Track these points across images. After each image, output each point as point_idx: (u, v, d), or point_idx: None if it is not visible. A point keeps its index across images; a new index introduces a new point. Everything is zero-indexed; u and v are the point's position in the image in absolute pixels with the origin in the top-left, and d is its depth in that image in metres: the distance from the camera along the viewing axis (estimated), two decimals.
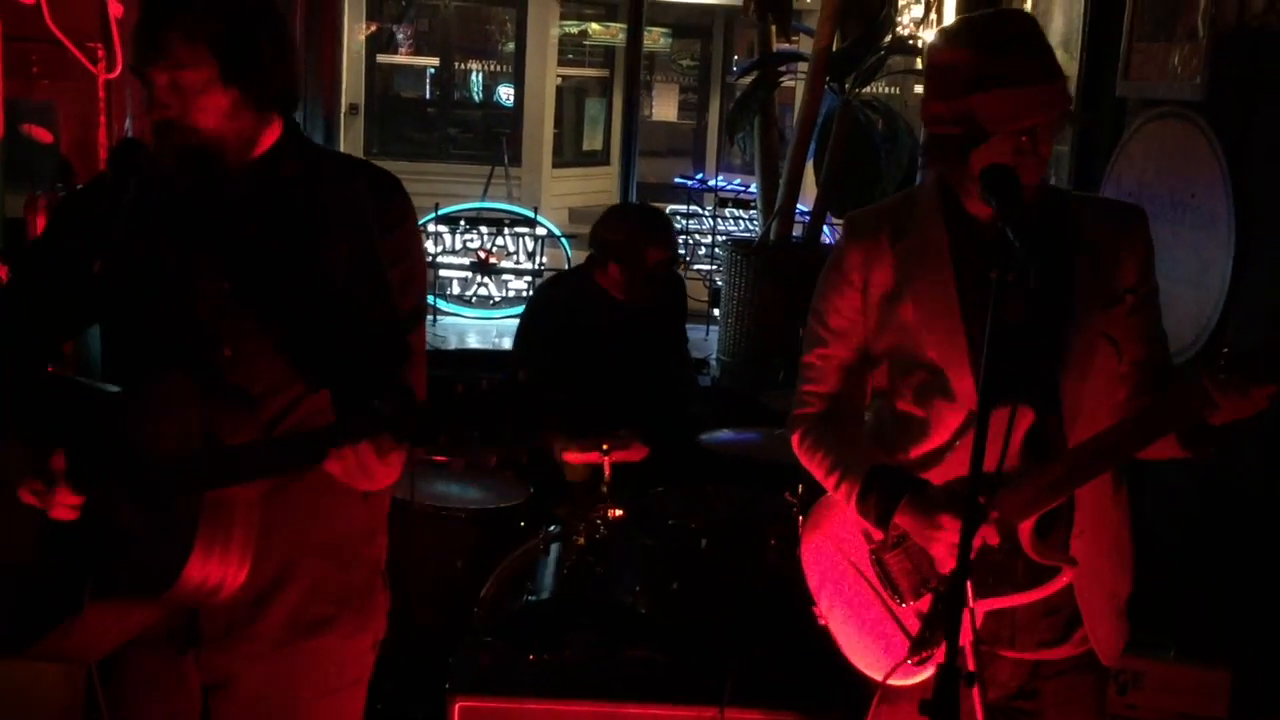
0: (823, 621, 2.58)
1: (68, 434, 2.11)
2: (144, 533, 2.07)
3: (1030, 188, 2.25)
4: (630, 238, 4.26)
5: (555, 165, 13.08)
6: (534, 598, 3.68)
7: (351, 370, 2.04)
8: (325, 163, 2.31)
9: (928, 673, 2.35)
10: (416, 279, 2.29)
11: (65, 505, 2.09)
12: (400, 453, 1.96)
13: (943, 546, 2.28)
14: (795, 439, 2.56)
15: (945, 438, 2.37)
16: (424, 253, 2.40)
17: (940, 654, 2.27)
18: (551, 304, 4.50)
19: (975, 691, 2.18)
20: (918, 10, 7.01)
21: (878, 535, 2.44)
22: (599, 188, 12.74)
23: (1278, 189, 3.52)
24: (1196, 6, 3.89)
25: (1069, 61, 4.82)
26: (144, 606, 2.12)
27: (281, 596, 2.25)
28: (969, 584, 2.22)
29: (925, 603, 2.41)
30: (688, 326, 4.83)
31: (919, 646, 2.39)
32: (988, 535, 2.26)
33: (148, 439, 2.08)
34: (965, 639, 2.25)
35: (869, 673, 2.48)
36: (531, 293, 5.68)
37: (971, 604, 2.25)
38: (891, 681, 2.39)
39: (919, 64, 6.45)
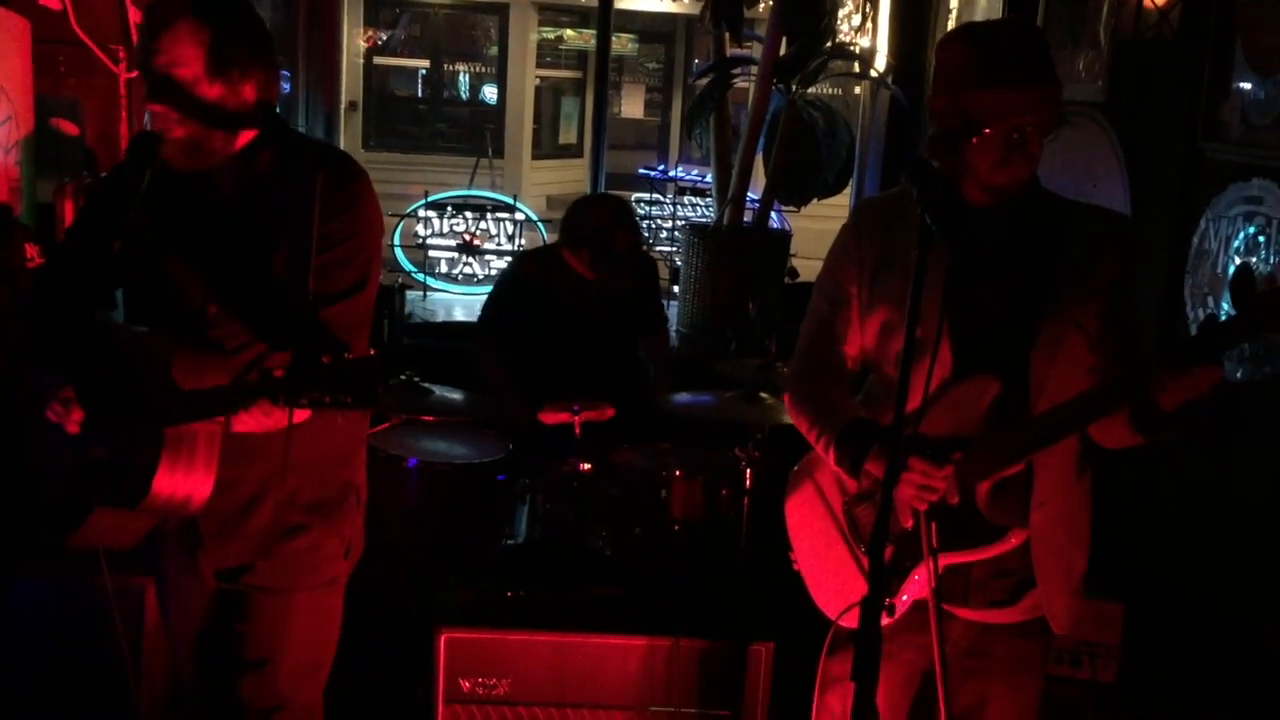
0: (796, 566, 2.58)
1: (86, 369, 2.28)
2: (126, 455, 2.22)
3: (1019, 183, 2.24)
4: (599, 226, 4.21)
5: (534, 157, 13.01)
6: (511, 542, 3.69)
7: (294, 336, 2.17)
8: (295, 156, 2.35)
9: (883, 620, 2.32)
10: (358, 255, 2.33)
11: (75, 423, 2.26)
12: (278, 411, 2.12)
13: (909, 489, 2.21)
14: (787, 398, 2.52)
15: (920, 400, 2.31)
16: (371, 231, 2.39)
17: (897, 602, 2.30)
18: (521, 276, 4.48)
19: (935, 639, 2.18)
20: (856, 19, 7.00)
21: (852, 487, 2.42)
22: (573, 177, 12.68)
23: (1165, 178, 3.55)
24: (1100, 18, 3.91)
25: None
26: (141, 514, 2.27)
27: (263, 506, 2.41)
28: (933, 531, 2.22)
29: (888, 554, 2.30)
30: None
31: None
32: (948, 494, 2.23)
33: (131, 379, 2.22)
34: (926, 590, 2.25)
35: (830, 614, 2.46)
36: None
37: (933, 547, 2.23)
38: (843, 623, 2.36)
39: (856, 68, 6.44)
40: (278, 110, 2.39)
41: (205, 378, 2.14)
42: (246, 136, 2.32)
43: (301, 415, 2.18)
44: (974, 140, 2.19)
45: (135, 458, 2.19)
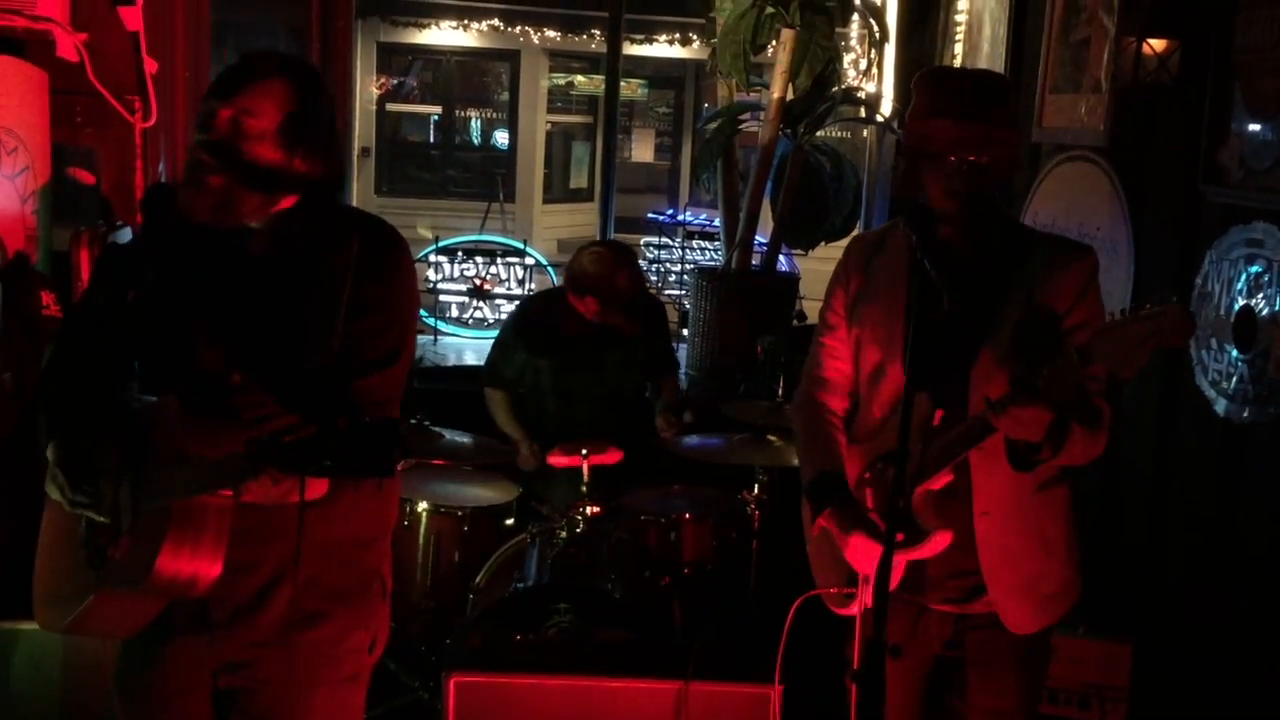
0: (811, 547, 2.70)
1: (94, 442, 2.16)
2: (133, 530, 2.10)
3: (967, 216, 2.39)
4: (601, 272, 4.26)
5: (545, 201, 13.12)
6: (521, 585, 3.68)
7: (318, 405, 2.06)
8: (333, 222, 2.27)
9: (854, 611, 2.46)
10: (394, 327, 2.26)
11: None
12: (288, 481, 2.05)
13: (850, 554, 2.42)
14: (791, 409, 2.75)
15: (880, 415, 2.52)
16: (408, 303, 2.34)
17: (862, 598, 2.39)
18: (528, 315, 4.54)
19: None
20: (863, 64, 7.06)
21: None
22: (584, 221, 12.77)
23: (1167, 221, 3.58)
24: (1100, 63, 3.94)
25: None
26: (147, 596, 2.14)
27: (280, 591, 2.24)
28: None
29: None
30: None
31: (848, 581, 2.51)
32: (896, 499, 2.34)
33: (140, 452, 2.12)
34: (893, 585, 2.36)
35: (823, 594, 2.61)
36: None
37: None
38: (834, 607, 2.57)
39: (863, 113, 6.50)
40: (325, 190, 2.29)
41: (220, 448, 2.03)
42: (285, 202, 2.23)
43: (316, 490, 2.09)
44: (923, 164, 2.39)
45: (139, 533, 2.08)
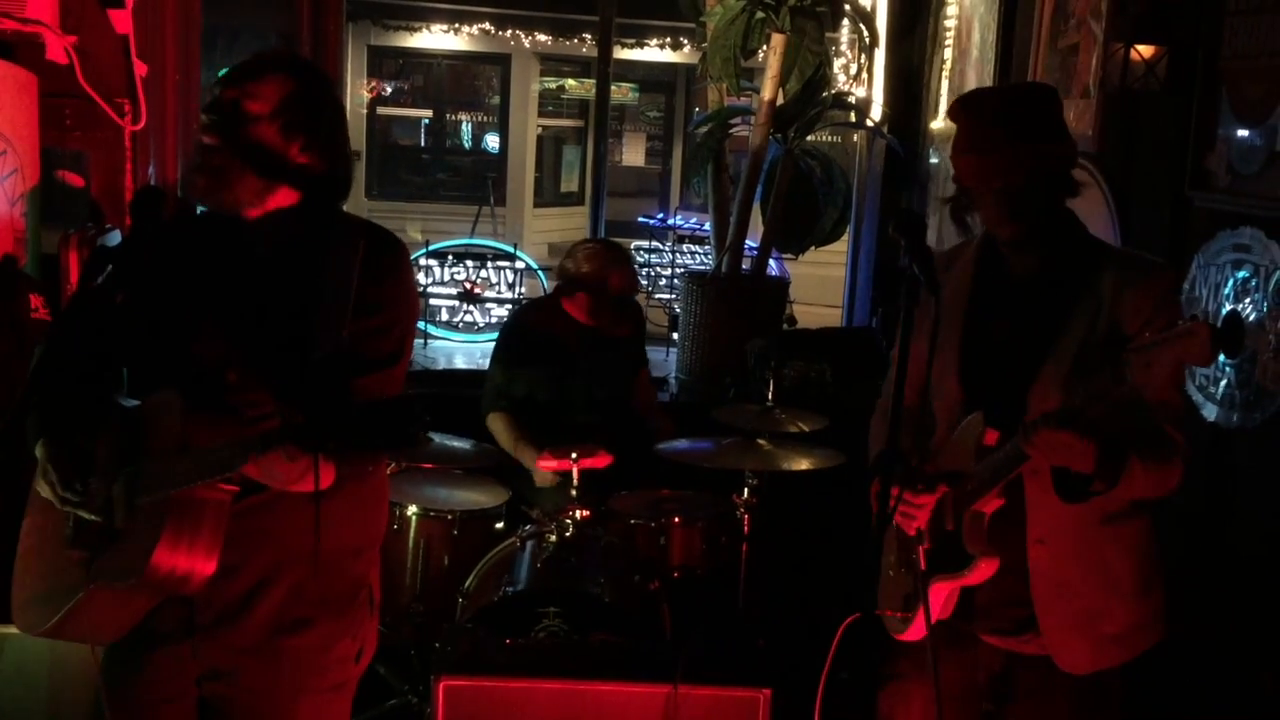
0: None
1: (87, 442, 2.16)
2: (127, 526, 2.11)
3: (1019, 235, 2.35)
4: (595, 269, 4.28)
5: (536, 205, 13.12)
6: (511, 589, 3.68)
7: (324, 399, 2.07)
8: (336, 225, 2.29)
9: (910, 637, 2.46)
10: (395, 328, 2.27)
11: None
12: (303, 458, 2.02)
13: (897, 514, 2.37)
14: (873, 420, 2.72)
15: (943, 431, 2.47)
16: (409, 307, 2.36)
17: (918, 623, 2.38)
18: (523, 325, 4.53)
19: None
20: (854, 69, 7.09)
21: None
22: (575, 225, 12.77)
23: (1155, 227, 3.59)
24: (1089, 70, 3.96)
25: None
26: (136, 594, 2.14)
27: (266, 597, 2.24)
28: (921, 554, 2.38)
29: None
30: (650, 348, 4.86)
31: (905, 605, 2.49)
32: (947, 519, 2.36)
33: (141, 445, 2.12)
34: (940, 610, 2.39)
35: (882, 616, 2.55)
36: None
37: (920, 569, 2.38)
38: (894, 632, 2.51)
39: (853, 117, 6.52)
40: (328, 190, 2.31)
41: (218, 441, 2.04)
42: (284, 199, 2.25)
43: (324, 479, 2.08)
44: (969, 195, 2.38)
45: (134, 527, 2.08)
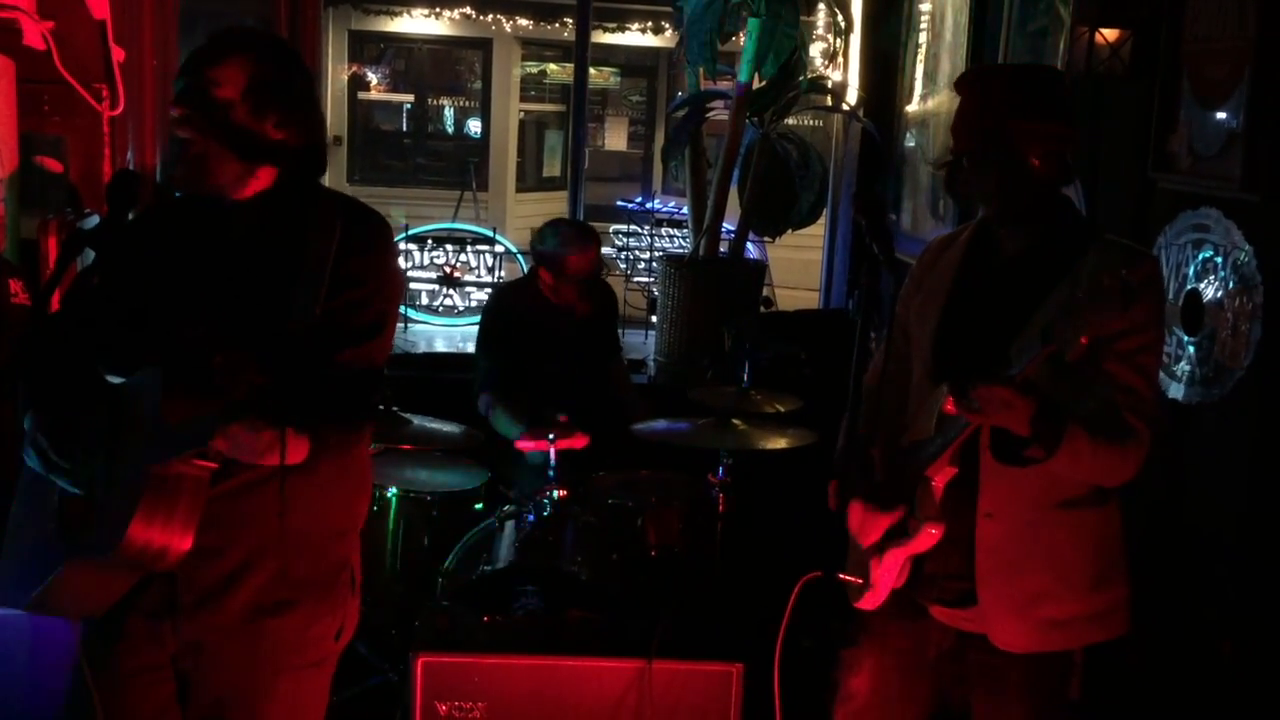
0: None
1: (72, 416, 2.18)
2: (106, 500, 2.12)
3: (1007, 215, 2.40)
4: (556, 248, 4.35)
5: (518, 190, 13.11)
6: (489, 568, 3.73)
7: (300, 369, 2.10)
8: (317, 203, 2.30)
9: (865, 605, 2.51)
10: (374, 302, 2.28)
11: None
12: (267, 430, 2.06)
13: (851, 524, 2.46)
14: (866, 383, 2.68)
15: (916, 402, 2.50)
16: (390, 282, 2.36)
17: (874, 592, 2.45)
18: (500, 306, 4.61)
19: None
20: (830, 52, 7.12)
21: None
22: (557, 210, 12.64)
23: (1120, 208, 3.65)
24: (1056, 53, 4.01)
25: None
26: (116, 569, 2.15)
27: (249, 578, 2.26)
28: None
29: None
30: (629, 330, 4.91)
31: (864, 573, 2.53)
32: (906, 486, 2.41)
33: (124, 421, 2.15)
34: (898, 582, 2.44)
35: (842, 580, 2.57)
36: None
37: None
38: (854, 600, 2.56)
39: (829, 101, 6.56)
40: (306, 165, 2.32)
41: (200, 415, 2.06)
42: (265, 179, 2.27)
43: (297, 454, 2.11)
44: (964, 169, 2.41)
45: (113, 502, 2.10)
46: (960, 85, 2.49)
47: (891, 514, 2.42)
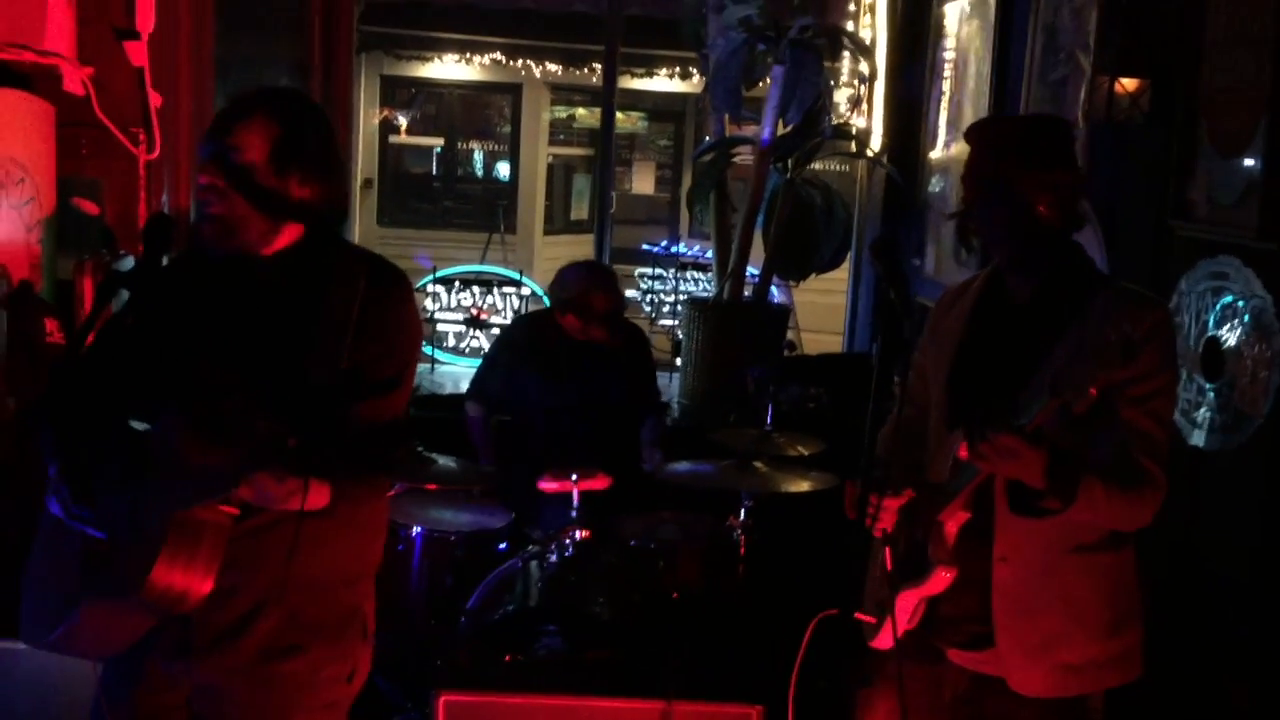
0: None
1: (97, 458, 2.22)
2: (130, 544, 2.16)
3: (1018, 262, 2.43)
4: (579, 290, 4.40)
5: (546, 233, 13.20)
6: (512, 607, 3.75)
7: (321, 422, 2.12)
8: (340, 259, 2.34)
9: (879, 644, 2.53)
10: (395, 355, 2.31)
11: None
12: (291, 480, 2.10)
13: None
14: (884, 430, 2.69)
15: (933, 448, 2.52)
16: (410, 336, 2.41)
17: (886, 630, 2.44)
18: (518, 332, 4.74)
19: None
20: (855, 98, 7.18)
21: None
22: (584, 253, 12.70)
23: (1140, 255, 3.67)
24: (1077, 101, 4.05)
25: None
26: (135, 611, 2.18)
27: (261, 621, 2.29)
28: (886, 555, 2.45)
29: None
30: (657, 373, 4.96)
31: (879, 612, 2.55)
32: (918, 529, 2.42)
33: (147, 466, 2.19)
34: (912, 624, 2.45)
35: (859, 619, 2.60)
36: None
37: (887, 570, 2.44)
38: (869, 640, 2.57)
39: (854, 147, 6.61)
40: (328, 218, 2.36)
41: (221, 463, 2.09)
42: (290, 235, 2.31)
43: (318, 500, 2.15)
44: (976, 217, 2.45)
45: (135, 545, 2.12)
46: (969, 136, 2.53)
47: (900, 497, 2.45)
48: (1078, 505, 2.19)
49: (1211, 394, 3.21)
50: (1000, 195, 2.38)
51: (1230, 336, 3.13)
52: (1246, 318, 3.07)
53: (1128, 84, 3.51)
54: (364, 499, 2.37)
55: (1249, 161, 3.10)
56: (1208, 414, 3.22)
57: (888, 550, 2.45)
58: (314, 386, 2.16)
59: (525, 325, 4.79)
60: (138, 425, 2.33)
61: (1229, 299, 3.17)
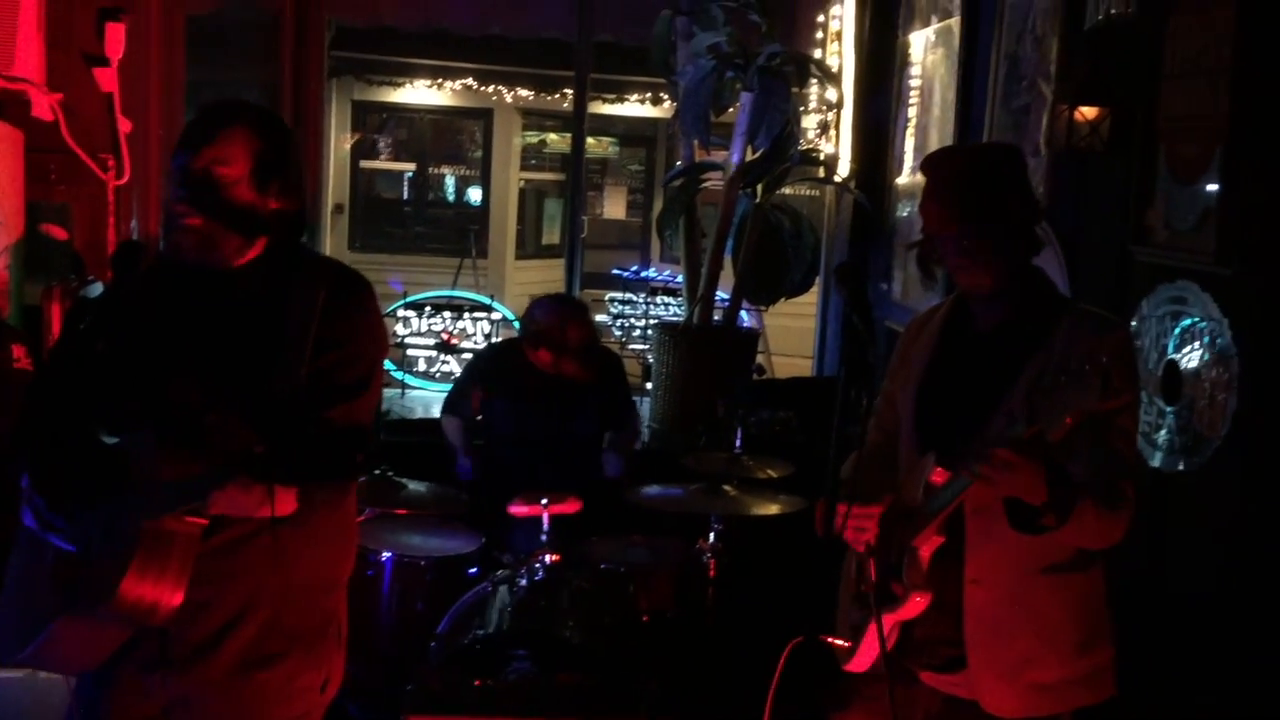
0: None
1: (70, 473, 2.23)
2: (99, 555, 2.17)
3: (979, 287, 2.44)
4: (552, 324, 4.41)
5: (518, 257, 13.21)
6: (482, 631, 3.75)
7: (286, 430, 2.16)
8: (303, 268, 2.36)
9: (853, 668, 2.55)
10: (360, 361, 2.33)
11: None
12: (257, 487, 2.12)
13: (849, 531, 2.46)
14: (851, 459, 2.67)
15: (903, 473, 2.55)
16: (373, 341, 2.42)
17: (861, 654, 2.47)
18: (487, 361, 4.78)
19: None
20: (822, 124, 7.25)
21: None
22: (556, 277, 12.71)
23: (1101, 280, 3.72)
24: (1039, 129, 4.12)
25: None
26: (109, 625, 2.19)
27: (239, 631, 2.31)
28: (870, 568, 2.46)
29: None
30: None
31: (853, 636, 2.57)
32: (892, 553, 2.43)
33: (118, 480, 2.19)
34: (876, 652, 2.44)
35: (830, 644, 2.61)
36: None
37: (869, 589, 2.45)
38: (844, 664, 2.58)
39: (821, 172, 6.67)
40: (294, 229, 2.40)
41: (188, 474, 2.11)
42: (259, 246, 2.34)
43: (286, 505, 2.17)
44: (936, 246, 2.46)
45: (106, 558, 2.14)
46: (924, 168, 2.55)
47: (880, 504, 2.47)
48: (1069, 524, 2.21)
49: (1171, 416, 3.26)
50: (957, 223, 2.39)
51: (1189, 360, 3.18)
52: (1205, 340, 3.12)
53: (1088, 112, 3.57)
54: (333, 503, 2.39)
55: (1207, 188, 3.16)
56: (1168, 436, 3.27)
57: (872, 562, 2.45)
58: (278, 394, 2.18)
59: (494, 355, 4.83)
60: (107, 439, 2.32)
61: (1188, 322, 3.22)
